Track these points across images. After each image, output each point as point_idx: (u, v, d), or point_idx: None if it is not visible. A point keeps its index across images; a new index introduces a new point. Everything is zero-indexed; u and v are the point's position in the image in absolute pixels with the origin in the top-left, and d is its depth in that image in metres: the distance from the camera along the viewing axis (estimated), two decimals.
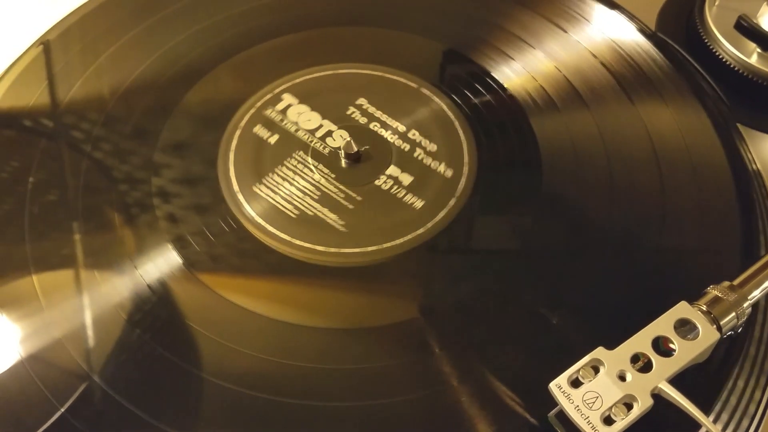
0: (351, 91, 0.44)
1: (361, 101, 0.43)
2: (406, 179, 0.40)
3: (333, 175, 0.40)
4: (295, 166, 0.41)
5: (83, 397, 0.32)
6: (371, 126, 0.42)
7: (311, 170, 0.40)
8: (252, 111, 0.43)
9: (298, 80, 0.44)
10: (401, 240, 0.37)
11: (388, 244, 0.37)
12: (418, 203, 0.39)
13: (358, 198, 0.39)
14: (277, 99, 0.43)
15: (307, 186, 0.40)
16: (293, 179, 0.40)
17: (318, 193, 0.39)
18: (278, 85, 0.44)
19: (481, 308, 0.35)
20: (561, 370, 0.29)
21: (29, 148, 0.41)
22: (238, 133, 0.42)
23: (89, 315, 0.35)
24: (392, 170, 0.40)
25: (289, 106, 0.43)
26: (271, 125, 0.42)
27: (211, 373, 0.33)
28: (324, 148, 0.41)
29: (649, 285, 0.36)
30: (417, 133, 0.42)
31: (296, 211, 0.39)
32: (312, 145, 0.41)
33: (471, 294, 0.36)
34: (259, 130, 0.42)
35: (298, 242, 0.37)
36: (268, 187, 0.40)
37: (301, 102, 0.43)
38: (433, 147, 0.41)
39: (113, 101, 0.43)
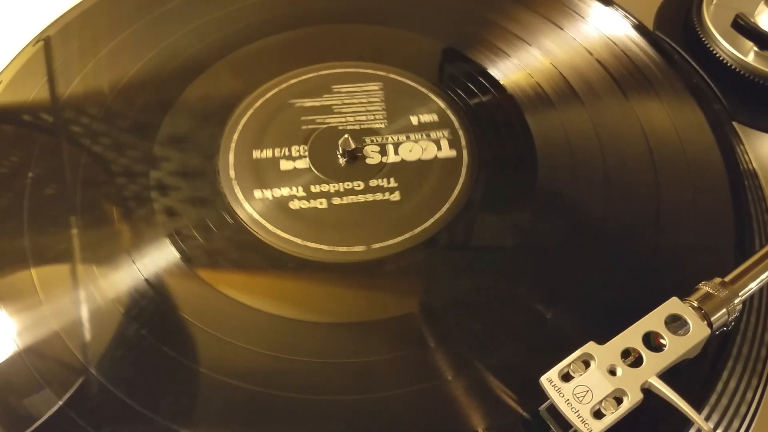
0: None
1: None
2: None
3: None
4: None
5: (81, 390, 0.32)
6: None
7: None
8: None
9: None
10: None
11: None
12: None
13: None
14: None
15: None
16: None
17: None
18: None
19: (477, 304, 0.35)
20: (554, 364, 0.30)
21: (29, 142, 0.41)
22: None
23: (87, 309, 0.35)
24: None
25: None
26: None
27: (208, 367, 0.33)
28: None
29: (643, 281, 0.36)
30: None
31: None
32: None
33: (467, 290, 0.36)
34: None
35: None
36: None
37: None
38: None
39: (112, 96, 0.43)
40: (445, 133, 0.42)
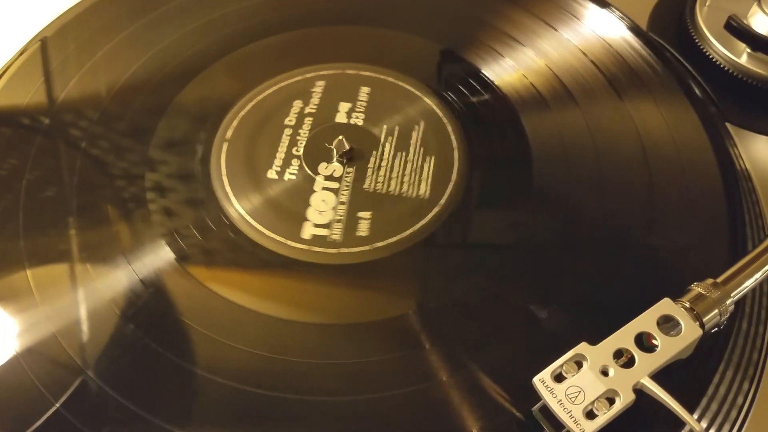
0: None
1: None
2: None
3: (324, 174, 0.40)
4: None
5: (78, 392, 0.32)
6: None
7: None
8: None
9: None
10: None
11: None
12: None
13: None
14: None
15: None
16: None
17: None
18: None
19: (471, 304, 0.35)
20: (548, 365, 0.30)
21: (25, 145, 0.41)
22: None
23: (83, 310, 0.35)
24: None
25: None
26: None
27: (204, 369, 0.33)
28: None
29: (637, 282, 0.36)
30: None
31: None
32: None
33: (461, 290, 0.36)
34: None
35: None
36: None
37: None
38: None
39: (109, 99, 0.43)
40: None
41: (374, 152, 0.41)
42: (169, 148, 0.42)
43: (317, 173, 0.40)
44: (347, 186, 0.40)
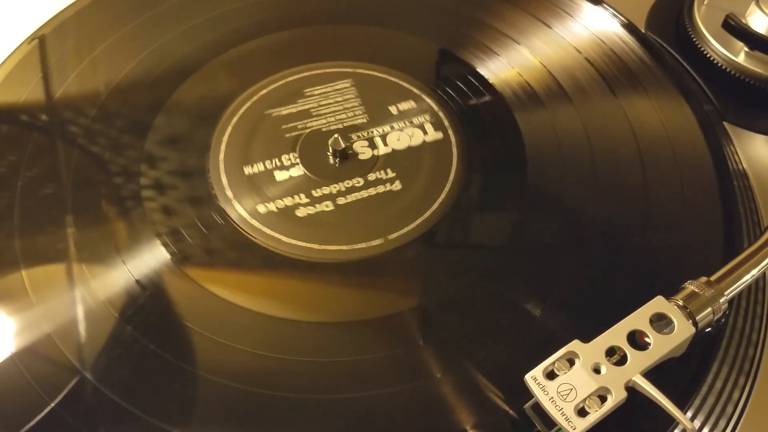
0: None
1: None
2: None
3: (321, 172, 0.40)
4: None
5: (74, 392, 0.32)
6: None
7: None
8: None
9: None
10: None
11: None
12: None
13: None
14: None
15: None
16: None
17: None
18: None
19: (466, 302, 0.35)
20: (540, 362, 0.30)
21: (21, 141, 0.41)
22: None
23: (79, 310, 0.35)
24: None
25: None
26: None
27: (202, 369, 0.33)
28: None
29: (631, 280, 0.36)
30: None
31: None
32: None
33: (455, 289, 0.36)
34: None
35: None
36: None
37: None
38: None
39: (106, 95, 0.43)
40: (435, 133, 0.42)
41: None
42: (167, 145, 0.42)
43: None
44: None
